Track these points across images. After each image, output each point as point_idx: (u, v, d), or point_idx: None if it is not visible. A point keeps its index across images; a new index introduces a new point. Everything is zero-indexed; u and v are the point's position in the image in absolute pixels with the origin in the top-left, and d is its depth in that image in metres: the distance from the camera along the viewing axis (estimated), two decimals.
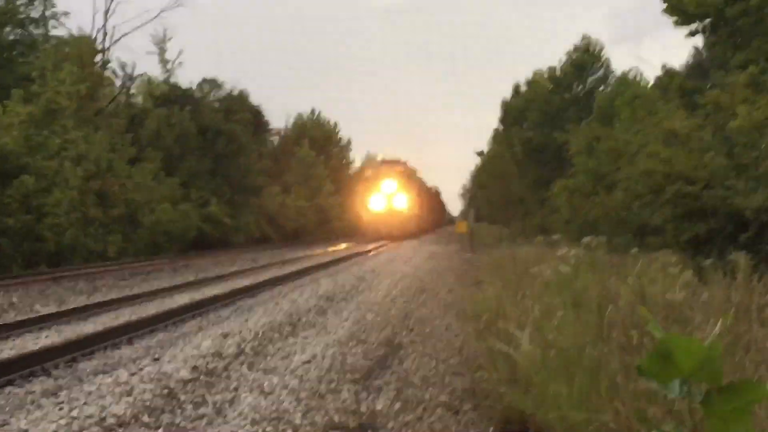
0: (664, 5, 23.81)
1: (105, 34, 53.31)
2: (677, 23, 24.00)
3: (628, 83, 44.27)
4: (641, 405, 5.40)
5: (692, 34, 24.66)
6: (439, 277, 25.63)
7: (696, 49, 34.75)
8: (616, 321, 7.43)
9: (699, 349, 2.27)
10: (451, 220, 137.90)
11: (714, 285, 8.56)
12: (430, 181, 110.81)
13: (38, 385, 10.26)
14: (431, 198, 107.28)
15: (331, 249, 50.18)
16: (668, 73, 27.38)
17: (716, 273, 8.90)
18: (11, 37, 40.09)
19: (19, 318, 16.67)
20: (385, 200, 70.46)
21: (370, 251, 45.72)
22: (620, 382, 6.01)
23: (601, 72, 53.85)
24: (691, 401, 2.33)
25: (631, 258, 11.88)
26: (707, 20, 23.36)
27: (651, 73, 44.56)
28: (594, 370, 6.54)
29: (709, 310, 7.00)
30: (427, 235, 79.68)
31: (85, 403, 8.88)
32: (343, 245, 56.28)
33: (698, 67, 32.83)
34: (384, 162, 76.97)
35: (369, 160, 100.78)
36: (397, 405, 8.95)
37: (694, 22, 23.88)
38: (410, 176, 76.16)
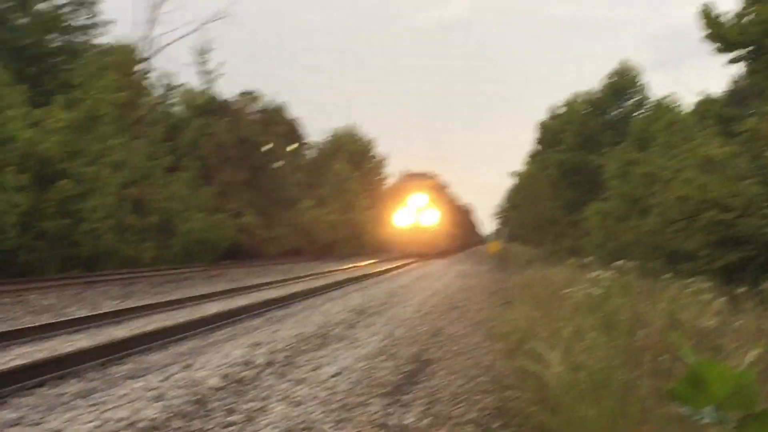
0: (705, 32, 23.70)
1: (147, 43, 53.74)
2: (718, 50, 23.87)
3: (665, 109, 43.95)
4: (671, 430, 5.38)
5: (733, 61, 24.53)
6: (470, 295, 25.57)
7: (735, 76, 34.55)
8: (647, 345, 7.41)
9: (732, 375, 2.27)
10: (483, 240, 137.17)
11: (747, 313, 8.51)
12: (463, 199, 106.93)
13: (71, 387, 10.33)
14: (463, 216, 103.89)
15: (363, 263, 50.06)
16: (706, 100, 27.19)
17: (749, 301, 8.85)
18: (55, 44, 40.39)
19: (54, 320, 16.80)
20: (411, 216, 66.81)
21: (401, 267, 45.06)
22: (651, 407, 5.99)
23: (638, 97, 53.56)
24: (723, 428, 2.33)
25: (663, 283, 11.82)
26: (749, 48, 23.24)
27: (688, 99, 44.34)
28: (623, 393, 6.52)
29: (742, 338, 6.96)
30: (458, 254, 76.88)
31: (116, 406, 8.93)
32: (376, 260, 56.12)
33: (736, 94, 32.62)
34: (411, 175, 72.39)
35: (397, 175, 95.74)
36: (426, 420, 8.95)
37: (734, 50, 23.75)
38: (439, 191, 71.72)
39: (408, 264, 50.84)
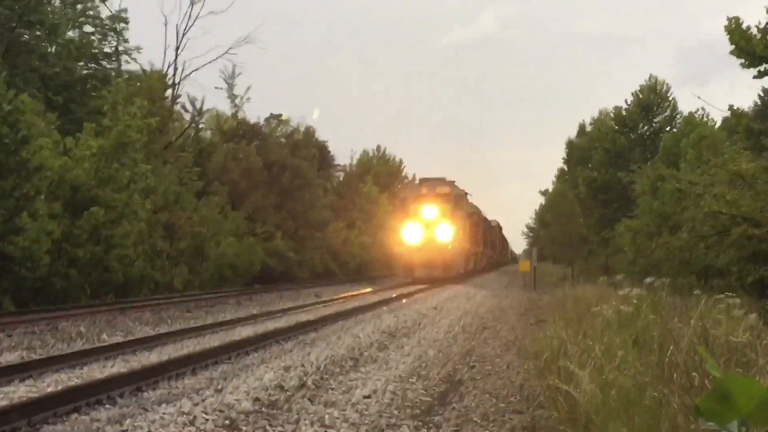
0: (732, 47, 23.62)
1: (175, 69, 53.95)
2: (745, 65, 23.79)
3: (694, 124, 43.86)
4: None
5: (760, 75, 24.42)
6: (501, 314, 25.52)
7: (764, 90, 34.47)
8: (678, 362, 7.38)
9: (759, 390, 2.26)
10: (515, 258, 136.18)
11: None
12: (493, 216, 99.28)
13: (104, 413, 10.37)
14: (491, 232, 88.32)
15: (394, 285, 49.94)
16: (735, 114, 27.06)
17: None
18: (85, 71, 40.75)
19: (87, 347, 16.88)
20: (423, 230, 51.24)
21: (433, 288, 43.36)
22: (681, 423, 5.96)
23: (667, 112, 53.52)
24: None
25: (695, 300, 11.76)
26: None
27: (717, 114, 44.32)
28: (654, 410, 6.49)
29: None
30: (488, 273, 74.31)
31: None
32: (407, 281, 55.88)
33: (766, 108, 32.49)
34: (424, 181, 56.51)
35: (408, 183, 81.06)
36: None
37: (762, 63, 23.66)
38: (458, 200, 54.44)
39: (434, 287, 45.05)
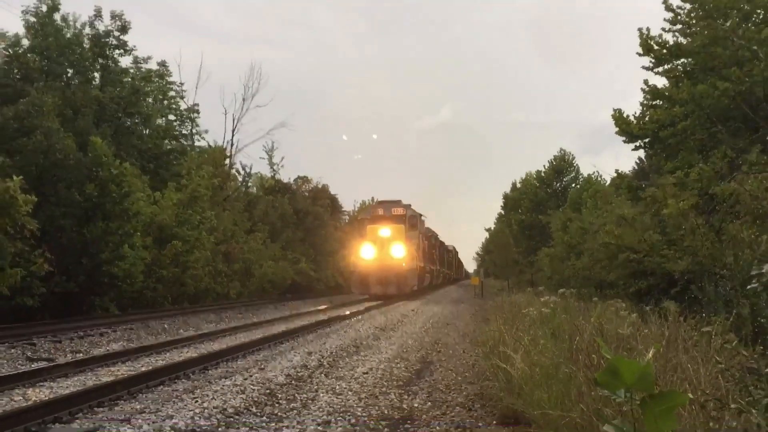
0: (617, 129, 23.90)
1: (232, 144, 54.32)
2: (626, 141, 24.03)
3: (591, 182, 44.16)
4: (599, 407, 5.35)
5: (636, 148, 24.68)
6: (460, 315, 25.46)
7: (639, 158, 34.70)
8: (582, 348, 7.37)
9: (637, 367, 2.28)
10: (468, 276, 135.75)
11: (652, 324, 8.46)
12: (451, 243, 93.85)
13: (181, 385, 10.33)
14: (448, 254, 76.61)
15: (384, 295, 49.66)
16: (619, 176, 27.32)
17: (654, 316, 8.80)
18: (169, 147, 40.87)
19: (169, 339, 16.83)
20: (378, 249, 39.09)
21: (415, 297, 40.18)
22: (585, 391, 5.95)
23: (573, 174, 53.87)
24: (632, 404, 2.34)
25: (594, 304, 11.77)
26: (647, 139, 23.38)
27: (607, 176, 44.86)
28: (566, 382, 6.48)
29: (648, 342, 6.92)
30: (448, 286, 71.85)
31: (212, 398, 8.92)
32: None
33: (641, 170, 32.73)
34: (381, 203, 44.79)
35: (368, 205, 66.22)
36: (428, 404, 8.89)
37: (637, 140, 23.92)
38: (413, 221, 42.46)
39: (416, 297, 40.87)
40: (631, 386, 2.30)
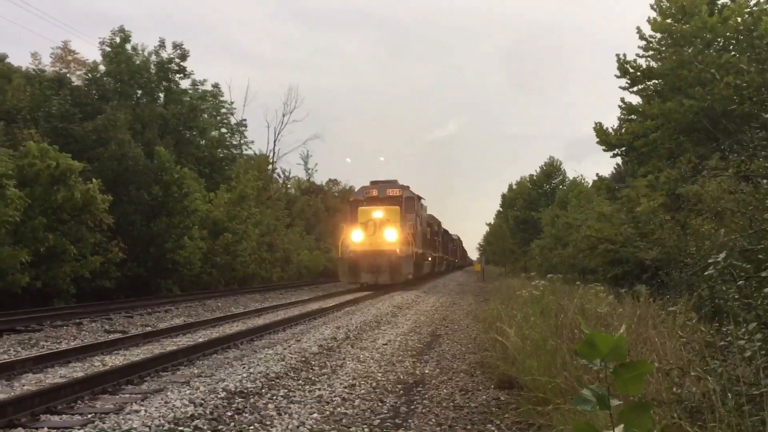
0: (598, 139, 23.77)
1: (274, 153, 54.60)
2: (605, 150, 23.89)
3: (576, 184, 43.84)
4: (579, 374, 5.35)
5: (614, 156, 24.56)
6: (464, 296, 25.40)
7: (617, 164, 34.46)
8: (566, 324, 7.36)
9: (611, 340, 2.28)
10: (472, 263, 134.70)
11: (626, 304, 8.41)
12: (455, 231, 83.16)
13: (231, 353, 10.40)
14: (452, 242, 66.71)
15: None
16: (600, 179, 27.20)
17: (628, 297, 8.75)
18: (221, 155, 41.02)
19: (221, 315, 16.94)
20: (370, 233, 29.61)
21: (424, 282, 37.00)
22: (567, 360, 5.95)
23: (560, 177, 53.58)
24: (607, 372, 2.34)
25: (577, 287, 11.71)
26: (623, 148, 23.23)
27: (589, 179, 44.68)
28: (552, 353, 6.47)
29: (622, 319, 6.89)
30: (454, 272, 68.28)
31: (257, 365, 8.97)
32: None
33: (618, 174, 32.46)
34: (375, 183, 33.53)
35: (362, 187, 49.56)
36: (437, 371, 8.90)
37: (615, 149, 23.77)
38: (410, 203, 32.52)
39: (428, 281, 37.73)
40: (606, 357, 2.29)
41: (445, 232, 55.93)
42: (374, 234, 29.52)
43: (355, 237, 29.90)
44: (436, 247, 43.89)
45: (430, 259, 39.48)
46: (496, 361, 8.21)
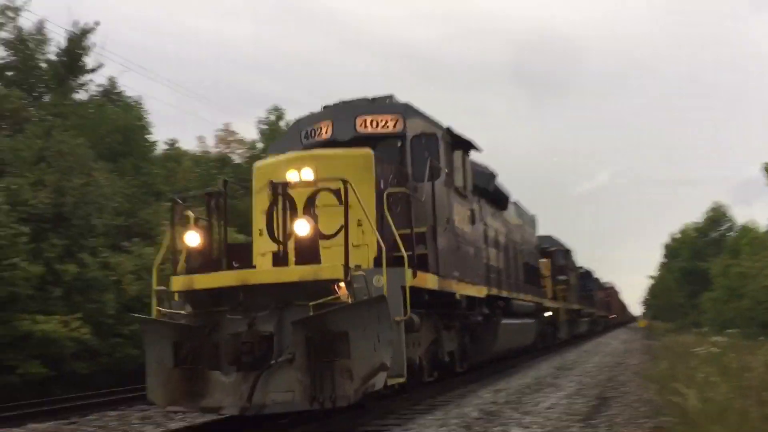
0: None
1: None
2: None
3: (748, 230, 41.05)
4: None
5: None
6: (630, 354, 24.07)
7: None
8: (753, 384, 6.82)
9: None
10: (634, 319, 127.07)
11: None
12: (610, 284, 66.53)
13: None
14: (612, 296, 57.03)
15: None
16: None
17: None
18: None
19: None
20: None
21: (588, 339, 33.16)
22: (758, 426, 5.49)
23: (728, 224, 50.69)
24: None
25: (759, 343, 10.81)
26: None
27: (762, 223, 41.61)
28: (739, 416, 5.99)
29: None
30: (617, 329, 59.65)
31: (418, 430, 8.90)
32: None
33: None
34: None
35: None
36: None
37: None
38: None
39: None
40: None
41: (587, 274, 40.73)
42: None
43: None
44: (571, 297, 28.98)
45: (559, 314, 24.73)
46: (675, 426, 7.68)
